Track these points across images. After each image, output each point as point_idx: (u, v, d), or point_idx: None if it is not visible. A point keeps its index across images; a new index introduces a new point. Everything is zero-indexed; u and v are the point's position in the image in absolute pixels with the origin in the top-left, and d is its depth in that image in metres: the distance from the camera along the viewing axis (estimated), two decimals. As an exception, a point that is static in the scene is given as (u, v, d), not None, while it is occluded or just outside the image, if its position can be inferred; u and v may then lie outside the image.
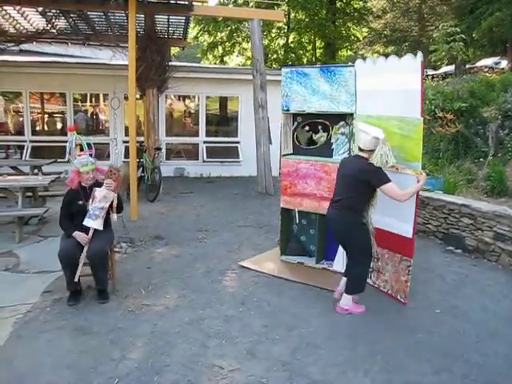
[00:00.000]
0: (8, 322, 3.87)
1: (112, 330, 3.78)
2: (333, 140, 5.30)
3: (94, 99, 13.04)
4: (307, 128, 5.54)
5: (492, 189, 7.13)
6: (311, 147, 5.49)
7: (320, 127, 5.40)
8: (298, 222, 5.56)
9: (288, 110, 5.40)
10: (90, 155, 4.59)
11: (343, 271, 4.54)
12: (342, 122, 5.19)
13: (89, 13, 9.43)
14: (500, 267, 5.44)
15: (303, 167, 5.26)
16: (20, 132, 11.46)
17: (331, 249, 5.28)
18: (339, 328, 3.91)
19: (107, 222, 4.49)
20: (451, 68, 17.77)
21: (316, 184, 5.18)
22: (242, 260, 5.50)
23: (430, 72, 20.08)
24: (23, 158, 10.67)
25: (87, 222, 4.26)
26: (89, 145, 4.90)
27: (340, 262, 5.15)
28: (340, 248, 5.15)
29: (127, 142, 8.98)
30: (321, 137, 5.40)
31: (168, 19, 10.07)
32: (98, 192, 4.34)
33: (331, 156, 5.28)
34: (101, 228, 4.32)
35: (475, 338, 3.78)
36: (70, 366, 3.26)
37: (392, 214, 4.46)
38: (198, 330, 3.81)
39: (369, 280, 4.88)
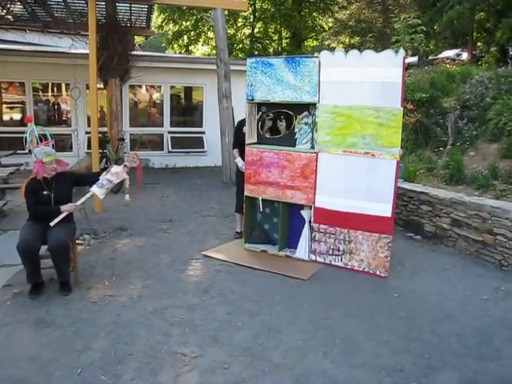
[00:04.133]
0: (-34, 318, 3.77)
1: (75, 322, 3.74)
2: (296, 130, 5.38)
3: (56, 89, 12.68)
4: (269, 116, 5.59)
5: (451, 177, 7.35)
6: (275, 137, 5.54)
7: (283, 117, 5.46)
8: (261, 210, 5.61)
9: (253, 100, 5.43)
10: (51, 145, 4.51)
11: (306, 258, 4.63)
12: (305, 112, 5.28)
13: (46, -2, 9.14)
14: (457, 252, 5.66)
15: (267, 156, 5.32)
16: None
17: (294, 237, 5.38)
18: (301, 313, 3.99)
19: (70, 214, 4.42)
20: (415, 59, 18.06)
21: (279, 172, 5.25)
22: (205, 250, 5.52)
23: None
24: (-20, 150, 10.30)
25: (92, 187, 4.45)
26: (47, 136, 4.81)
27: (302, 249, 5.24)
28: (303, 235, 5.26)
29: (90, 132, 8.80)
30: (281, 125, 5.47)
31: (130, 7, 9.86)
32: (115, 168, 4.56)
33: (294, 145, 5.36)
34: (101, 197, 4.55)
35: (431, 319, 3.93)
36: (31, 359, 3.22)
37: (368, 197, 4.78)
38: (161, 319, 3.82)
39: (340, 263, 5.05)
